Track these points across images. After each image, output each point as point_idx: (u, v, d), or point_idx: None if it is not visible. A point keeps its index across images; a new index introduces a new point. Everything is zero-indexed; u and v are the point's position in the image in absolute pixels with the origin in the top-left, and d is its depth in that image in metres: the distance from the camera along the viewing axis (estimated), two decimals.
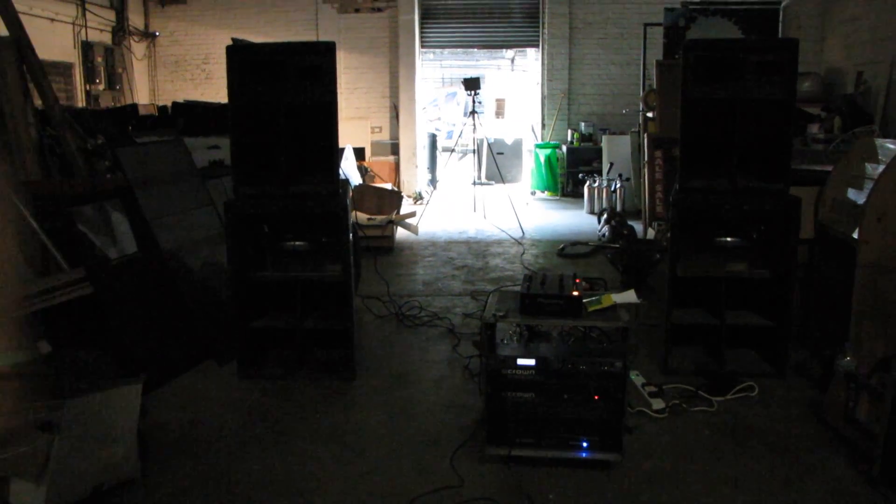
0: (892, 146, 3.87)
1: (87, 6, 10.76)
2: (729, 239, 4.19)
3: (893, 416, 2.85)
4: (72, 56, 10.65)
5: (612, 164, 10.26)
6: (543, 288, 3.18)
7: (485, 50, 12.91)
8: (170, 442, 3.40)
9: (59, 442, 2.66)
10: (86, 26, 10.79)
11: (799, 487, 2.97)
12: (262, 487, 3.01)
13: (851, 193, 4.13)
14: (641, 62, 9.42)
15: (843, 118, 7.74)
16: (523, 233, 8.63)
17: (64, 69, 10.50)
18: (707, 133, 4.02)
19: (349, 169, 9.43)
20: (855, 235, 3.76)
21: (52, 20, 10.11)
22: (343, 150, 9.11)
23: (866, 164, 4.09)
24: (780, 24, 9.30)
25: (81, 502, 2.81)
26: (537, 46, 12.29)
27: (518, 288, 3.28)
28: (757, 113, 3.93)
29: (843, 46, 9.62)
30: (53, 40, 10.13)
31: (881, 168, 3.76)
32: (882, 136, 6.64)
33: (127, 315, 4.05)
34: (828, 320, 4.13)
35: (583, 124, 11.91)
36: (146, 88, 12.80)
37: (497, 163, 10.55)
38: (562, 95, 12.04)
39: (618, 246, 6.89)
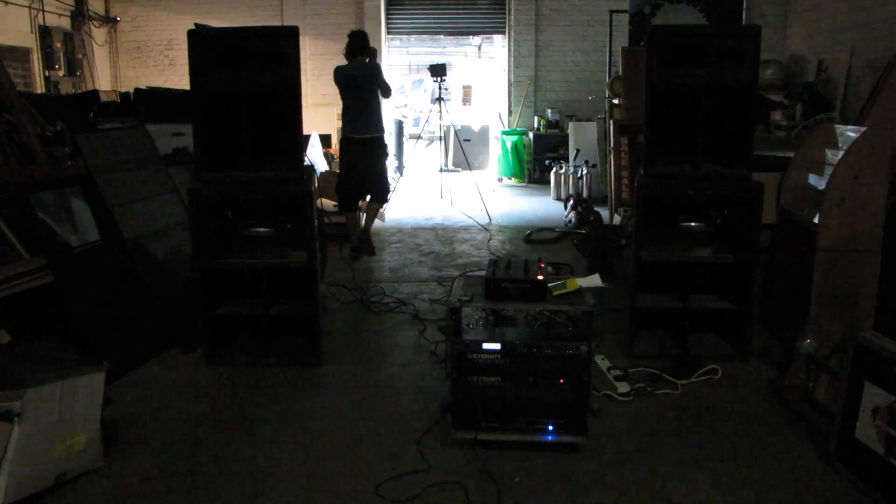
0: (851, 133, 3.94)
1: None
2: (693, 224, 4.22)
3: (849, 396, 2.91)
4: (29, 41, 10.40)
5: (578, 151, 10.31)
6: (508, 272, 3.18)
7: (451, 36, 12.86)
8: (135, 430, 3.36)
9: (19, 431, 2.62)
10: (43, 10, 10.54)
11: (759, 466, 3.03)
12: (227, 474, 2.99)
13: (812, 179, 4.20)
14: (607, 49, 9.46)
15: (804, 105, 7.86)
16: (490, 219, 8.65)
17: (21, 54, 10.25)
18: (671, 119, 4.05)
19: (316, 156, 9.34)
20: (815, 220, 3.83)
21: (7, 3, 9.87)
22: (309, 136, 9.03)
23: (827, 150, 4.16)
24: (744, 12, 9.41)
25: (44, 491, 2.77)
26: (504, 33, 12.29)
27: (484, 273, 3.28)
28: (720, 99, 3.96)
29: (805, 35, 9.75)
30: (8, 24, 9.89)
31: (841, 154, 3.83)
32: (842, 123, 6.75)
33: (89, 303, 3.99)
34: (789, 304, 4.20)
35: (549, 111, 11.96)
36: (108, 75, 12.55)
37: (464, 150, 10.55)
38: (528, 82, 12.07)
39: (584, 232, 6.93)
